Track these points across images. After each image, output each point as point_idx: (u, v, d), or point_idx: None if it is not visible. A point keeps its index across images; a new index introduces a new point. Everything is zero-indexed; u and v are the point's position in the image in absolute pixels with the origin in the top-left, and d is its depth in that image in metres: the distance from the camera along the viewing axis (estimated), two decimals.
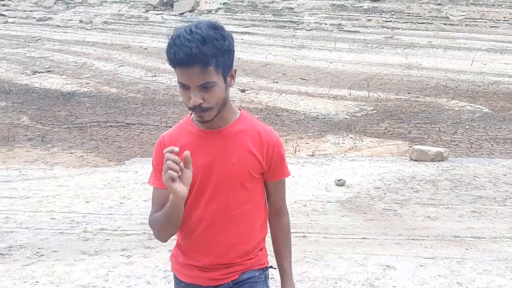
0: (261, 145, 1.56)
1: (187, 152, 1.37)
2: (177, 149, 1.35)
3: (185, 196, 1.40)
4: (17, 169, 7.40)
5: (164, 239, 1.60)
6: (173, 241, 4.12)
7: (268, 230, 1.73)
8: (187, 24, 1.47)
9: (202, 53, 1.35)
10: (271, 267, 1.72)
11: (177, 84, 1.45)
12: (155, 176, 1.61)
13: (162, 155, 1.42)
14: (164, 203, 1.50)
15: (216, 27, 1.42)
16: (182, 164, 1.36)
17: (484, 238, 4.23)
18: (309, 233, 4.29)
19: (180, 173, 1.35)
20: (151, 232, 4.54)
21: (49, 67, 14.64)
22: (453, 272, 3.55)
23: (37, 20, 21.05)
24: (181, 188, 1.37)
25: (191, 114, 1.61)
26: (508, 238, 4.23)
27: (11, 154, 8.52)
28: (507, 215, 4.81)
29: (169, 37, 1.43)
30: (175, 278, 1.69)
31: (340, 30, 18.84)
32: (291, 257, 1.71)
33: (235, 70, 1.51)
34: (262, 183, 1.63)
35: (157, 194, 1.61)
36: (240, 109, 1.62)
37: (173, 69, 1.43)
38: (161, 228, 1.54)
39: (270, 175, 1.61)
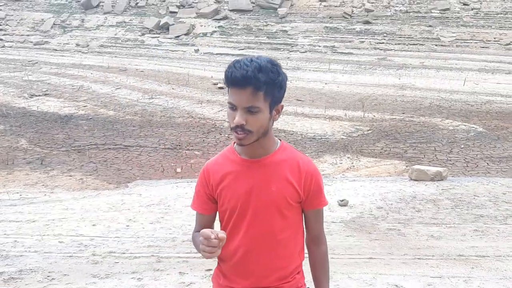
0: (299, 175, 1.64)
1: (223, 235, 1.48)
2: (213, 236, 1.46)
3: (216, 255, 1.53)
4: (17, 193, 7.41)
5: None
6: (183, 262, 4.14)
7: (306, 256, 1.80)
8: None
9: (255, 77, 1.48)
10: None
11: (227, 103, 1.57)
12: (197, 200, 1.73)
13: (205, 183, 1.62)
14: (203, 225, 1.66)
15: (274, 63, 1.56)
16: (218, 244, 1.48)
17: (489, 256, 4.30)
18: None
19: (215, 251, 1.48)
20: (160, 254, 4.54)
21: (46, 90, 14.71)
22: None
23: (34, 44, 21.20)
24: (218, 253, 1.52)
25: (234, 143, 1.71)
26: (511, 256, 4.31)
27: (10, 178, 8.52)
28: (509, 233, 4.90)
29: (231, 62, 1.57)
30: None
31: (334, 52, 19.16)
32: (328, 283, 1.76)
33: (282, 106, 1.62)
34: (301, 211, 1.70)
35: (198, 216, 1.74)
36: (280, 140, 1.72)
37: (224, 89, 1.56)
38: (197, 249, 1.66)
39: (308, 203, 1.68)
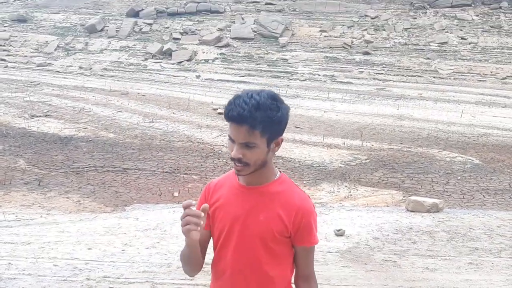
0: (291, 210, 1.67)
1: (205, 205, 1.57)
2: (194, 202, 1.55)
3: (197, 239, 1.58)
4: (14, 214, 7.39)
5: (190, 275, 1.79)
6: (172, 285, 4.10)
7: None
8: (252, 89, 1.65)
9: (252, 117, 1.54)
10: None
11: (228, 136, 1.64)
12: None
13: (204, 199, 1.71)
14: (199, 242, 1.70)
15: (275, 99, 1.60)
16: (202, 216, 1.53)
17: None
18: None
19: (199, 226, 1.53)
20: (154, 280, 4.55)
21: (47, 111, 14.82)
22: None
23: (37, 66, 21.45)
24: (195, 233, 1.55)
25: None
26: None
27: (7, 198, 8.52)
28: (503, 267, 4.91)
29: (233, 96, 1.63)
30: None
31: (333, 81, 19.42)
32: None
33: (282, 139, 1.68)
34: (290, 246, 1.72)
35: None
36: (281, 172, 1.77)
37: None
38: (184, 264, 1.74)
39: (296, 239, 1.70)
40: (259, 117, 1.54)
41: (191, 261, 1.69)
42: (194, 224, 1.51)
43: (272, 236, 1.66)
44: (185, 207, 1.54)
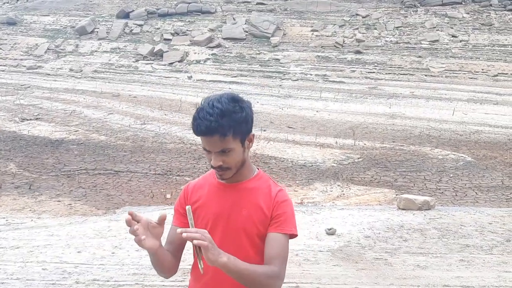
0: (270, 201, 1.70)
1: (163, 215, 1.59)
2: (130, 217, 1.56)
3: (156, 249, 1.61)
4: (4, 218, 7.31)
5: (164, 277, 1.81)
6: (162, 287, 4.06)
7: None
8: (212, 96, 1.66)
9: (220, 125, 1.57)
10: None
11: (202, 147, 1.67)
12: (175, 216, 1.82)
13: (183, 201, 1.73)
14: (171, 239, 1.75)
15: (236, 100, 1.63)
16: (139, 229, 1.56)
17: (473, 287, 4.30)
18: (302, 283, 4.31)
19: (141, 235, 1.56)
20: (144, 282, 4.49)
21: (38, 114, 14.72)
22: None
23: (27, 69, 21.32)
24: (152, 243, 1.58)
25: None
26: (496, 287, 4.31)
27: None
28: (494, 263, 4.91)
29: (196, 109, 1.64)
30: None
31: (325, 81, 19.44)
32: (240, 268, 1.56)
33: (253, 135, 1.70)
34: None
35: (171, 230, 1.80)
36: (258, 169, 1.79)
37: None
38: (157, 270, 1.75)
39: (272, 225, 1.70)
40: (226, 124, 1.57)
41: (162, 266, 1.71)
42: (138, 234, 1.55)
43: (256, 229, 1.68)
44: (127, 223, 1.57)
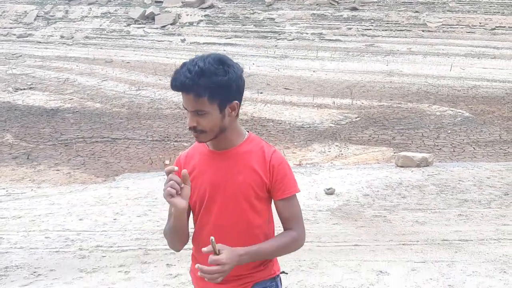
0: (264, 163, 1.65)
1: (184, 171, 1.54)
2: (176, 168, 1.53)
3: (184, 208, 1.55)
4: (4, 188, 7.34)
5: (176, 249, 1.74)
6: (170, 254, 4.14)
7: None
8: (201, 55, 1.59)
9: (195, 84, 1.51)
10: (282, 272, 1.80)
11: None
12: None
13: (177, 173, 1.60)
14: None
15: (222, 62, 1.55)
16: (180, 181, 1.52)
17: (472, 240, 4.37)
18: None
19: (179, 191, 1.51)
20: (147, 247, 4.54)
21: (31, 83, 14.53)
22: (444, 275, 3.67)
23: (18, 37, 20.89)
24: (180, 202, 1.53)
25: None
26: (494, 240, 4.38)
27: None
28: (492, 217, 4.97)
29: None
30: None
31: (322, 39, 19.13)
32: (260, 248, 1.62)
33: (238, 104, 1.62)
34: (269, 202, 1.70)
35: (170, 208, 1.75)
36: (248, 132, 1.73)
37: None
38: (170, 238, 1.70)
39: (275, 193, 1.67)
40: (203, 84, 1.50)
41: (178, 233, 1.66)
42: (174, 188, 1.50)
43: (254, 193, 1.65)
44: (169, 172, 1.52)
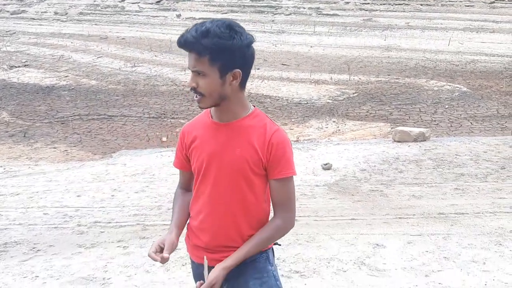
0: (264, 141, 1.63)
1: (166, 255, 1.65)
2: (159, 259, 1.66)
3: (176, 242, 1.72)
4: (1, 166, 7.33)
5: None
6: (163, 226, 4.15)
7: None
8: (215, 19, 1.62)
9: (197, 43, 1.52)
10: (275, 243, 1.80)
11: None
12: (176, 159, 1.85)
13: (181, 143, 1.75)
14: (184, 182, 1.86)
15: (230, 28, 1.55)
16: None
17: (468, 214, 4.41)
18: (300, 216, 4.39)
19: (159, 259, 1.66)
20: (145, 222, 4.55)
21: (26, 61, 14.38)
22: (439, 247, 3.71)
23: (11, 14, 20.56)
24: (166, 256, 1.66)
25: None
26: (490, 213, 4.42)
27: None
28: (489, 191, 5.01)
29: None
30: (190, 258, 1.86)
31: (319, 14, 18.90)
32: (249, 249, 1.67)
33: (240, 73, 1.59)
34: (265, 180, 1.69)
35: (180, 173, 1.87)
36: (254, 106, 1.72)
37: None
38: None
39: (270, 172, 1.66)
40: (206, 44, 1.51)
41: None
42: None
43: (249, 168, 1.64)
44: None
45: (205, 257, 1.65)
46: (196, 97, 1.61)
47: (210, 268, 1.65)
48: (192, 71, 1.57)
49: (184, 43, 1.54)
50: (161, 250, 1.66)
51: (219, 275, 1.60)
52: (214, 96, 1.59)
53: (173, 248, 1.68)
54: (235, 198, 1.67)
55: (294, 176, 1.69)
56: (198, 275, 1.80)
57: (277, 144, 1.64)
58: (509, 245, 3.71)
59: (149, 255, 1.66)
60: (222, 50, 1.52)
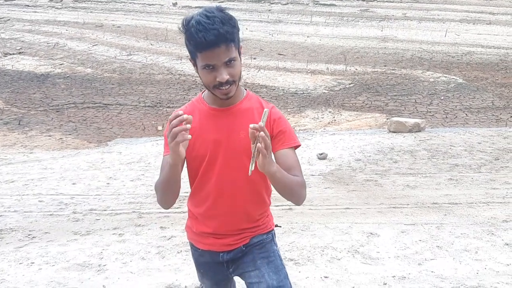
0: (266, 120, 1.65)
1: (189, 116, 1.47)
2: (181, 112, 1.46)
3: (183, 158, 1.53)
4: None
5: (166, 205, 1.71)
6: (163, 217, 4.18)
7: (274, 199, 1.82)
8: (193, 13, 1.56)
9: (226, 32, 1.49)
10: (276, 225, 1.86)
11: (201, 67, 1.54)
12: (167, 146, 1.70)
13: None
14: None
15: (222, 9, 1.55)
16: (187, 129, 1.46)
17: (461, 204, 4.44)
18: (295, 205, 4.42)
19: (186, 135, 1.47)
20: (141, 210, 4.56)
21: (21, 48, 14.25)
22: (432, 236, 3.74)
23: (5, 0, 20.32)
24: (182, 151, 1.51)
25: (202, 93, 1.74)
26: (483, 203, 4.46)
27: None
28: (482, 181, 5.04)
29: (184, 27, 1.52)
30: (192, 246, 1.84)
31: (316, 4, 18.81)
32: (285, 178, 1.59)
33: (241, 47, 1.62)
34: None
35: (165, 161, 1.71)
36: (246, 89, 1.74)
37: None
38: (162, 192, 1.67)
39: (277, 144, 1.67)
40: (229, 30, 1.50)
41: (172, 186, 1.63)
42: (182, 137, 1.44)
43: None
44: (174, 118, 1.45)
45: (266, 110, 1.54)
46: (227, 87, 1.56)
47: (220, 255, 1.68)
48: (222, 64, 1.52)
49: (216, 39, 1.47)
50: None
51: (270, 165, 1.50)
52: (239, 78, 1.59)
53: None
54: (242, 180, 1.67)
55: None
56: (203, 264, 1.82)
57: (278, 119, 1.68)
58: (501, 235, 3.75)
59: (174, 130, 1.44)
60: (237, 31, 1.55)
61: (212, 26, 1.47)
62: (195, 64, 1.60)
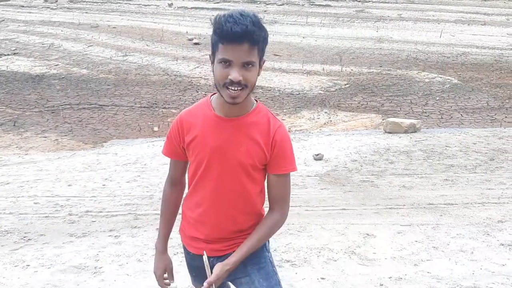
0: (268, 137, 1.62)
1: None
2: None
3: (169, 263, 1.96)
4: None
5: None
6: (155, 215, 4.14)
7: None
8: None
9: (255, 32, 1.45)
10: None
11: (218, 60, 1.50)
12: (167, 146, 1.77)
13: (177, 131, 1.67)
14: (175, 173, 1.80)
15: (258, 16, 1.52)
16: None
17: (457, 204, 4.46)
18: (291, 206, 4.34)
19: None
20: (137, 212, 4.54)
21: (15, 49, 14.19)
22: (429, 237, 3.76)
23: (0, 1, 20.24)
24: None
25: (211, 96, 1.69)
26: (479, 203, 4.48)
27: None
28: (478, 182, 5.07)
29: (215, 18, 1.50)
30: (184, 249, 1.87)
31: (312, 5, 18.85)
32: (245, 251, 1.67)
33: (264, 61, 1.59)
34: (264, 174, 1.70)
35: (172, 163, 1.81)
36: (257, 101, 1.69)
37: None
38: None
39: (270, 167, 1.66)
40: (258, 32, 1.46)
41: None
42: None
43: (253, 164, 1.63)
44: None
45: (204, 252, 1.64)
46: (236, 90, 1.50)
47: (210, 260, 1.68)
48: (239, 64, 1.47)
49: (242, 33, 1.42)
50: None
51: (221, 272, 1.61)
52: (251, 87, 1.53)
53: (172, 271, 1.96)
54: (237, 192, 1.67)
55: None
56: (195, 267, 1.82)
57: (280, 141, 1.63)
58: (497, 235, 3.77)
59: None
60: (265, 40, 1.51)
61: (242, 21, 1.44)
62: (213, 60, 1.54)
